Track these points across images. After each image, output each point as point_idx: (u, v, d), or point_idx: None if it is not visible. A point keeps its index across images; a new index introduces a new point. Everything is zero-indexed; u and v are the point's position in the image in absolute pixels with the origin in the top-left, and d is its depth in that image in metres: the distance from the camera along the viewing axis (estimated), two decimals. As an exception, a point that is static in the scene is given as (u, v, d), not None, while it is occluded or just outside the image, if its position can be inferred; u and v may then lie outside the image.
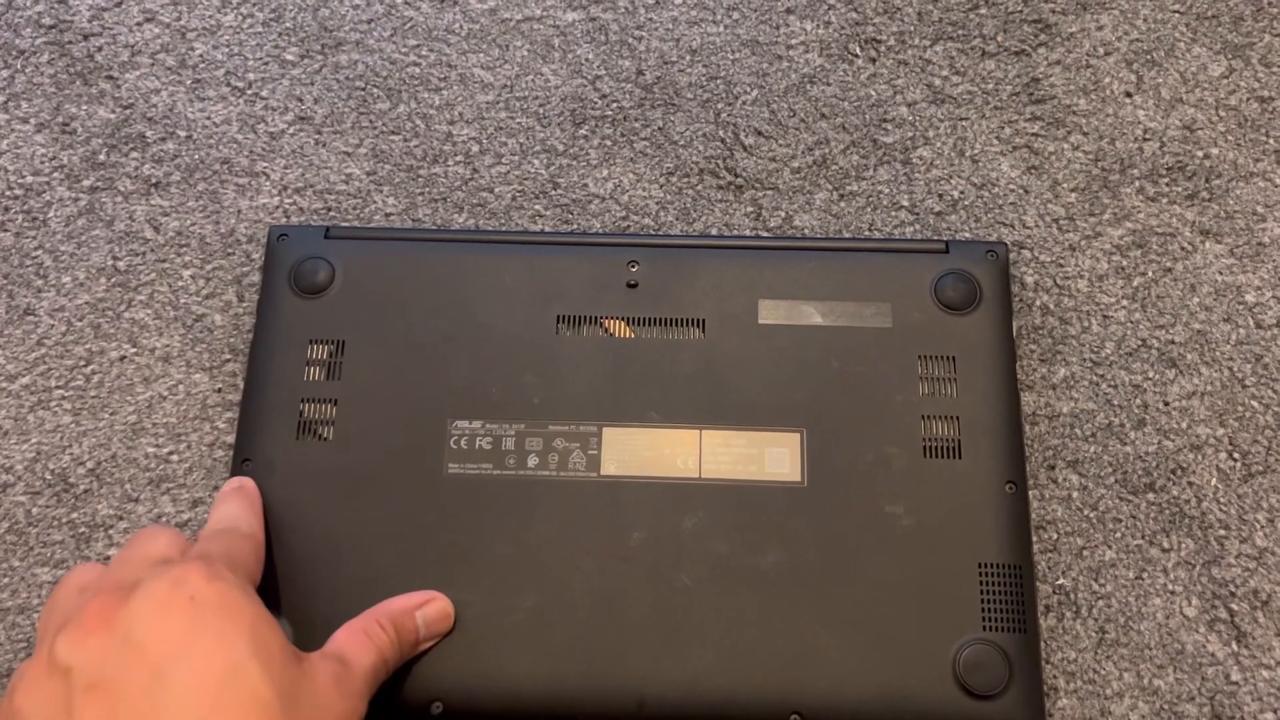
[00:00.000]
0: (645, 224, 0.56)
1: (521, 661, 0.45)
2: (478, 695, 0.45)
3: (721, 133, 0.58)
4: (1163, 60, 0.58)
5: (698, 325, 0.51)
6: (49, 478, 0.51)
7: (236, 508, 0.46)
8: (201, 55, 0.59)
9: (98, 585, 0.39)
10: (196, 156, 0.57)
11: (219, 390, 0.53)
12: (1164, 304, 0.54)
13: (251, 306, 0.54)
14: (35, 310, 0.54)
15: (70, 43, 0.60)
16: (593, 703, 0.45)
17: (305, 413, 0.49)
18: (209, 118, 0.58)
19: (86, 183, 0.57)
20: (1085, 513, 0.50)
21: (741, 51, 0.59)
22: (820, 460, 0.48)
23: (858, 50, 0.59)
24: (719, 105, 0.58)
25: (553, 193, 0.56)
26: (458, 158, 0.57)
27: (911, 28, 0.60)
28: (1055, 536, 0.50)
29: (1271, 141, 0.57)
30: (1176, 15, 0.59)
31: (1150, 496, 0.50)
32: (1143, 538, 0.50)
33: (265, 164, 0.57)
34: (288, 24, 0.60)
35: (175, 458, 0.52)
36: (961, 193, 0.56)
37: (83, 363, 0.53)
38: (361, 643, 0.42)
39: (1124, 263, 0.54)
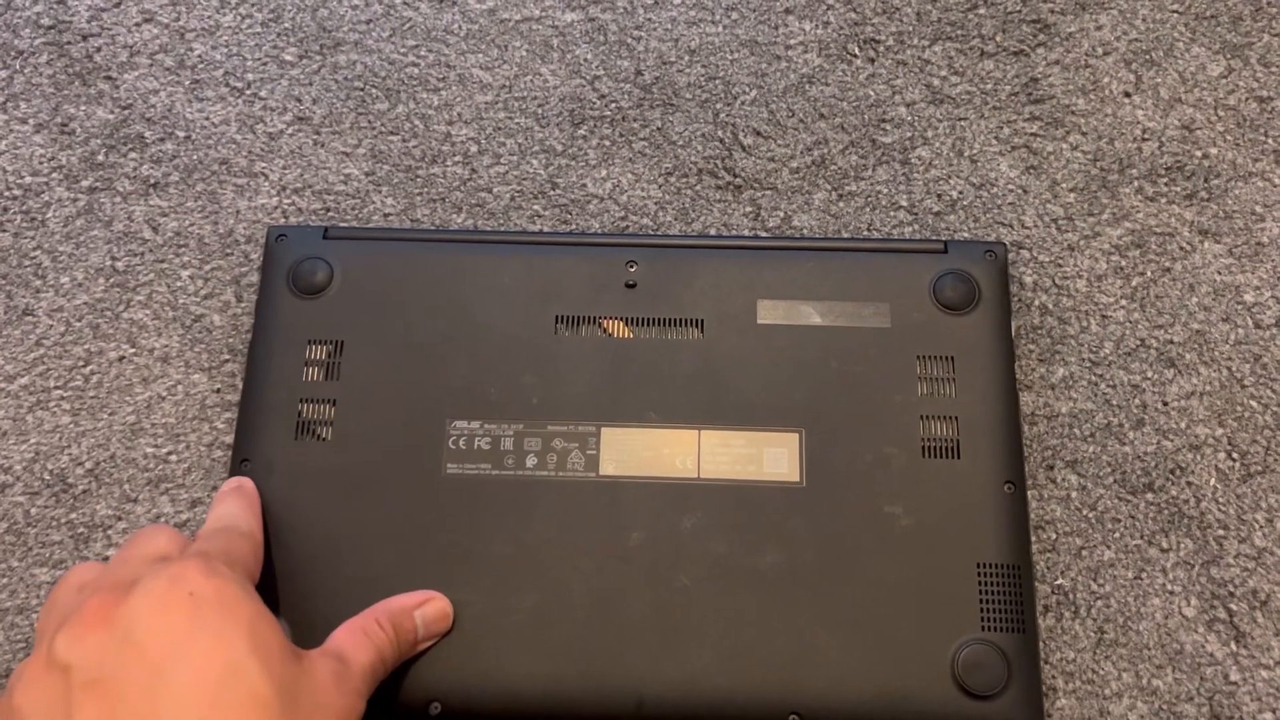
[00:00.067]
0: (644, 224, 0.56)
1: (520, 661, 0.45)
2: (476, 695, 0.45)
3: (720, 133, 0.58)
4: (1161, 60, 0.59)
5: (696, 325, 0.51)
6: (48, 478, 0.51)
7: (235, 507, 0.46)
8: (200, 56, 0.59)
9: (96, 583, 0.39)
10: (195, 157, 0.57)
11: (218, 390, 0.53)
12: (1163, 304, 0.54)
13: (250, 307, 0.54)
14: (34, 311, 0.54)
15: (69, 43, 0.60)
16: (591, 703, 0.45)
17: (304, 413, 0.49)
18: (208, 118, 0.58)
19: (85, 183, 0.57)
20: (1084, 513, 0.50)
21: (740, 52, 0.59)
22: (819, 460, 0.48)
23: (856, 50, 0.59)
24: (718, 105, 0.58)
25: (551, 193, 0.57)
26: (456, 158, 0.57)
27: (910, 28, 0.60)
28: (1054, 536, 0.50)
29: (1270, 141, 0.57)
30: (1175, 15, 0.59)
31: (1149, 496, 0.50)
32: (1141, 538, 0.50)
33: (264, 164, 0.57)
34: (286, 24, 0.60)
35: (174, 458, 0.52)
36: (960, 193, 0.56)
37: (81, 363, 0.53)
38: (360, 641, 0.42)
39: (1123, 262, 0.54)
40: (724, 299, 0.51)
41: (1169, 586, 0.49)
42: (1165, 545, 0.50)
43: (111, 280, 0.55)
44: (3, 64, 0.59)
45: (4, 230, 0.56)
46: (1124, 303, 0.54)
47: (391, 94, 0.59)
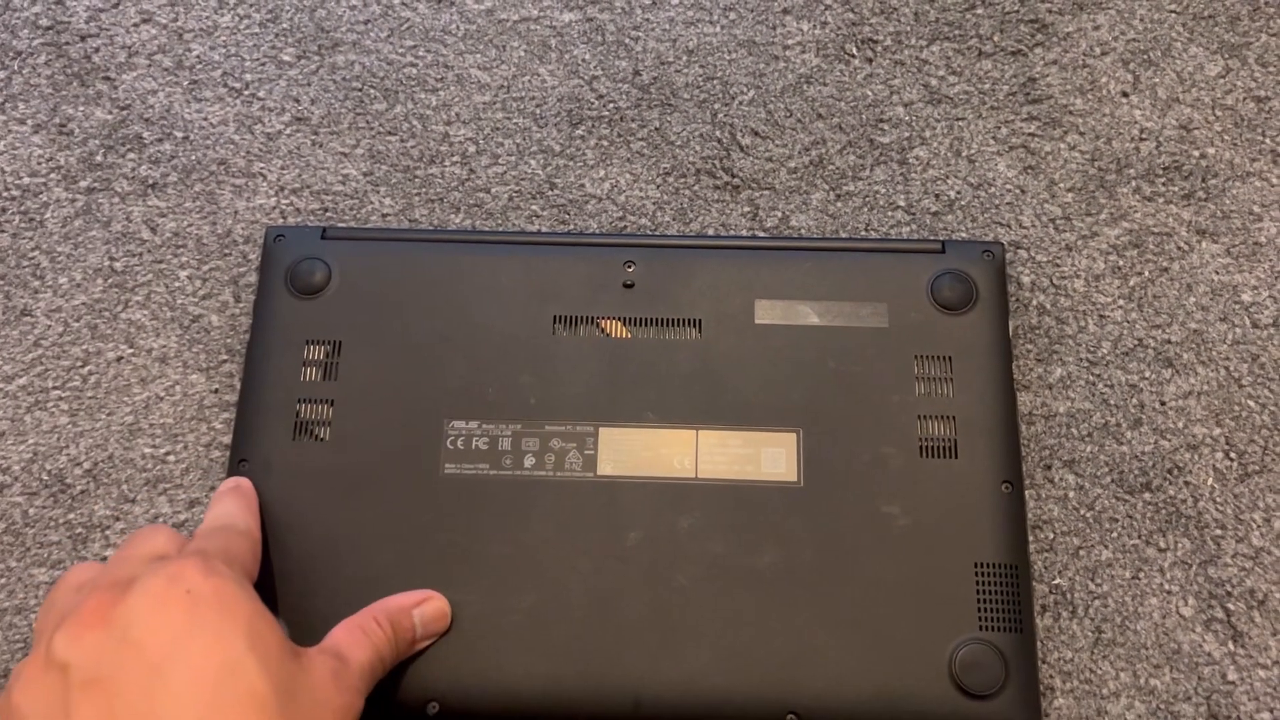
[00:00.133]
0: (642, 224, 0.56)
1: (518, 661, 0.45)
2: (474, 695, 0.45)
3: (718, 133, 0.58)
4: (1159, 60, 0.59)
5: (694, 325, 0.51)
6: (46, 478, 0.51)
7: (233, 506, 0.46)
8: (198, 56, 0.60)
9: (95, 583, 0.39)
10: (193, 157, 0.57)
11: (216, 391, 0.53)
12: (1160, 304, 0.54)
13: (248, 307, 0.54)
14: (32, 311, 0.54)
15: (67, 44, 0.60)
16: (589, 703, 0.45)
17: (302, 413, 0.49)
18: (206, 119, 0.58)
19: (83, 184, 0.57)
20: (1082, 512, 0.50)
21: (738, 52, 0.59)
22: (817, 460, 0.48)
23: (854, 50, 0.59)
24: (716, 105, 0.58)
25: (549, 193, 0.57)
26: (454, 158, 0.57)
27: (908, 28, 0.60)
28: (1051, 536, 0.50)
29: (1268, 141, 0.57)
30: (1173, 15, 0.59)
31: (1147, 496, 0.50)
32: (1139, 537, 0.50)
33: (262, 165, 0.57)
34: (284, 25, 0.60)
35: (172, 458, 0.52)
36: (958, 193, 0.56)
37: (80, 363, 0.53)
38: (358, 639, 0.42)
39: (1120, 262, 0.55)
40: (722, 299, 0.51)
41: (1166, 586, 0.49)
42: (1163, 545, 0.50)
43: (110, 281, 0.55)
44: (1, 64, 0.59)
45: (2, 231, 0.56)
46: (1122, 302, 0.54)
47: (390, 94, 0.59)
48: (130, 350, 0.54)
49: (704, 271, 0.52)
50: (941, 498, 0.48)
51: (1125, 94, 0.58)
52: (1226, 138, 0.57)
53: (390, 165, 0.57)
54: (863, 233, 0.55)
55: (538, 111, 0.58)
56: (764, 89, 0.59)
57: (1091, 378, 0.52)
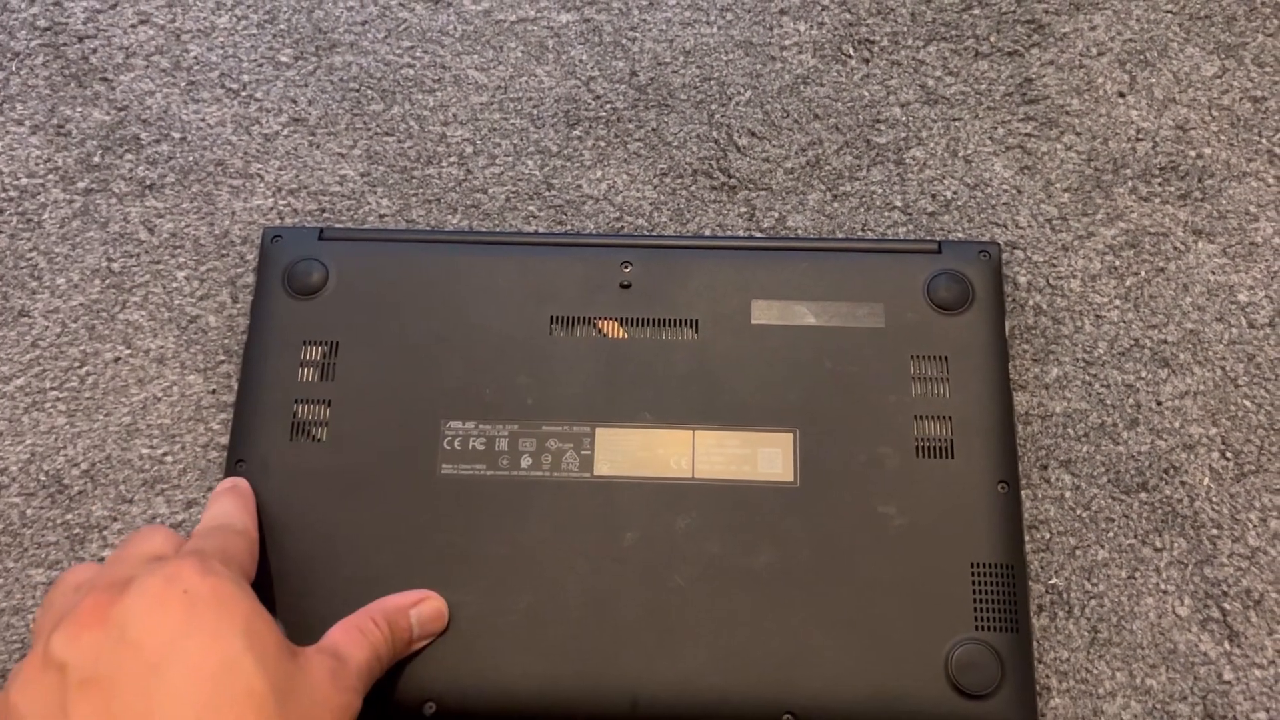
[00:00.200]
0: (639, 225, 0.56)
1: (515, 662, 0.45)
2: (471, 696, 0.45)
3: (715, 134, 0.58)
4: (1156, 60, 0.59)
5: (691, 326, 0.51)
6: (43, 479, 0.52)
7: (230, 506, 0.46)
8: (196, 57, 0.60)
9: (93, 583, 0.39)
10: (191, 158, 0.57)
11: (213, 391, 0.53)
12: (1157, 304, 0.54)
13: (245, 308, 0.54)
14: (30, 312, 0.54)
15: (65, 45, 0.60)
16: (586, 703, 0.45)
17: (299, 414, 0.49)
18: (203, 120, 0.58)
19: (81, 184, 0.57)
20: (1078, 512, 0.50)
21: (735, 52, 0.59)
22: (813, 460, 0.48)
23: (851, 51, 0.59)
24: (713, 106, 0.58)
25: (546, 194, 0.57)
26: (451, 159, 0.57)
27: (905, 28, 0.60)
28: (1048, 536, 0.50)
29: (1264, 141, 0.57)
30: (1169, 15, 0.60)
31: (1143, 496, 0.51)
32: (1135, 537, 0.50)
33: (259, 166, 0.57)
34: (282, 26, 0.60)
35: (169, 459, 0.52)
36: (954, 193, 0.56)
37: (77, 364, 0.53)
38: (356, 638, 0.42)
39: (1117, 262, 0.55)
40: (719, 299, 0.51)
41: (1163, 586, 0.49)
42: (1159, 545, 0.50)
43: (107, 281, 0.55)
44: (-1, 65, 0.59)
45: (0, 232, 0.56)
46: (1118, 303, 0.54)
47: (387, 95, 0.59)
48: (128, 351, 0.54)
49: (701, 272, 0.52)
50: (938, 498, 0.48)
51: (1122, 94, 0.58)
52: (1223, 138, 0.57)
53: (387, 166, 0.57)
54: (859, 233, 0.55)
55: (535, 112, 0.58)
56: (761, 89, 0.59)
57: (1088, 378, 0.52)
